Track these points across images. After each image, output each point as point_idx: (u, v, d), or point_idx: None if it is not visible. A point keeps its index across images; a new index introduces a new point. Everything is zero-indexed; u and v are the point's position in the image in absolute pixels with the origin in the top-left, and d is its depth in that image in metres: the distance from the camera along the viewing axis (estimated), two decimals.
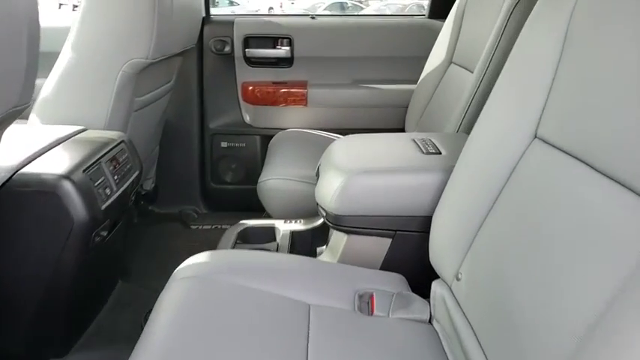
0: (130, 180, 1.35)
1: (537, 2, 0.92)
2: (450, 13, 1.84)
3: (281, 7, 12.77)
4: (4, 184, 1.07)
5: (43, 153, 1.17)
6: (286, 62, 2.15)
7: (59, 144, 1.23)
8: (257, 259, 1.08)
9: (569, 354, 0.60)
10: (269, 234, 1.46)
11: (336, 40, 2.14)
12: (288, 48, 2.12)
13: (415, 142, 1.27)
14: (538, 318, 0.68)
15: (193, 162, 2.24)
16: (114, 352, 1.32)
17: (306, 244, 1.43)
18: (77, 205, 1.09)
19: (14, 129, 0.97)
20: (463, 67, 1.66)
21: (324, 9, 11.02)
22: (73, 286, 1.21)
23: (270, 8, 12.27)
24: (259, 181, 1.60)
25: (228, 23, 2.11)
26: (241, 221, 1.50)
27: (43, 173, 1.10)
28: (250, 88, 2.15)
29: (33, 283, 1.17)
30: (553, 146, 0.78)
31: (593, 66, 0.73)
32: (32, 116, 1.40)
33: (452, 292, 0.96)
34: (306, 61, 2.15)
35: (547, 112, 0.82)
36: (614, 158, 0.65)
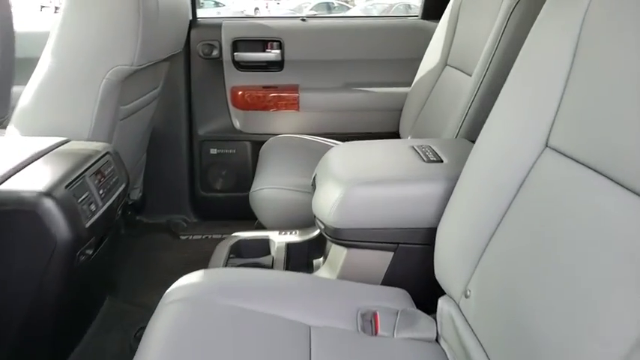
0: (117, 193, 1.28)
1: (546, 3, 0.87)
2: (444, 13, 1.80)
3: (267, 7, 12.74)
4: None
5: (22, 168, 1.10)
6: (276, 66, 2.10)
7: (39, 157, 1.16)
8: (252, 277, 1.03)
9: None
10: (263, 247, 1.40)
11: (327, 43, 2.09)
12: (278, 51, 2.07)
13: (415, 149, 1.22)
14: (562, 340, 0.64)
15: (182, 170, 2.18)
16: None
17: (302, 257, 1.38)
18: (59, 224, 1.02)
19: None
20: (459, 70, 1.62)
21: (310, 9, 10.99)
22: (57, 308, 1.15)
23: (256, 9, 12.25)
24: (252, 190, 1.54)
25: (216, 26, 2.06)
26: (234, 234, 1.44)
27: (22, 190, 1.03)
28: (240, 92, 2.09)
29: (14, 307, 1.10)
30: (566, 156, 0.74)
31: (608, 71, 0.69)
32: (10, 127, 1.32)
33: (460, 310, 0.91)
34: (297, 64, 2.09)
35: (559, 121, 0.78)
36: (631, 168, 0.62)
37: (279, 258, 1.32)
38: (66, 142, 1.27)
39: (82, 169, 1.16)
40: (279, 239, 1.39)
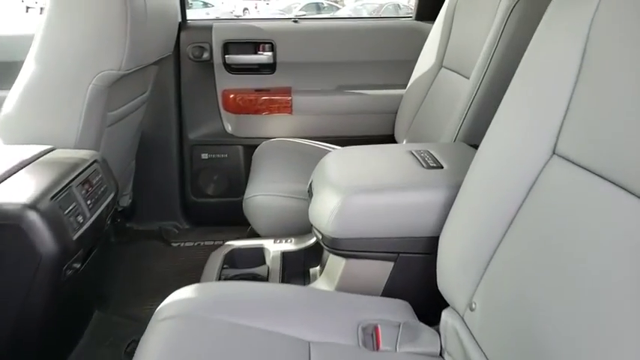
0: (105, 203, 1.24)
1: (551, 4, 0.84)
2: (439, 14, 1.77)
3: (256, 7, 12.69)
4: None
5: (5, 179, 1.05)
6: (268, 68, 2.06)
7: (23, 167, 1.11)
8: (247, 291, 0.99)
9: None
10: (258, 256, 1.36)
11: (320, 45, 2.06)
12: (270, 53, 2.03)
13: (413, 154, 1.19)
14: (576, 354, 0.61)
15: (172, 175, 2.13)
16: None
17: (298, 265, 1.34)
18: (45, 238, 0.97)
19: None
20: (455, 72, 1.59)
21: (300, 9, 10.95)
22: (43, 323, 1.10)
23: (245, 9, 12.19)
24: (245, 197, 1.50)
25: (206, 28, 2.01)
26: (227, 242, 1.40)
27: (5, 203, 0.98)
28: (231, 96, 2.04)
29: None
30: (574, 163, 0.72)
31: (619, 75, 0.67)
32: None
33: (465, 323, 0.88)
34: (289, 66, 2.05)
35: (566, 127, 0.75)
36: None
37: (275, 268, 1.28)
38: (51, 150, 1.22)
39: (69, 179, 1.11)
40: (274, 248, 1.35)
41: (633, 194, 0.60)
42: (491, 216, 0.84)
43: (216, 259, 1.31)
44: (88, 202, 1.15)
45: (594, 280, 0.61)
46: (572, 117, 0.74)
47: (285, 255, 1.33)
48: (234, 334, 0.87)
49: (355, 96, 2.04)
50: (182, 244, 2.04)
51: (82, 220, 1.10)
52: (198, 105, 2.07)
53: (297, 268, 1.34)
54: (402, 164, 1.14)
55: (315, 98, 2.05)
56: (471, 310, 0.86)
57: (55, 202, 1.03)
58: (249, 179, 1.65)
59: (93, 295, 1.49)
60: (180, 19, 2.00)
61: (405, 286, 1.08)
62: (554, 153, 0.76)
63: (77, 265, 1.10)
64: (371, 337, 0.91)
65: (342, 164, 1.18)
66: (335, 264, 1.11)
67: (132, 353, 0.84)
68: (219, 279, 1.25)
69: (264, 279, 1.26)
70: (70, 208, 1.08)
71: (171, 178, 2.13)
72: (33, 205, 0.98)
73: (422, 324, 0.96)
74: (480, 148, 0.92)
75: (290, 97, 2.03)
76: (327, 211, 1.04)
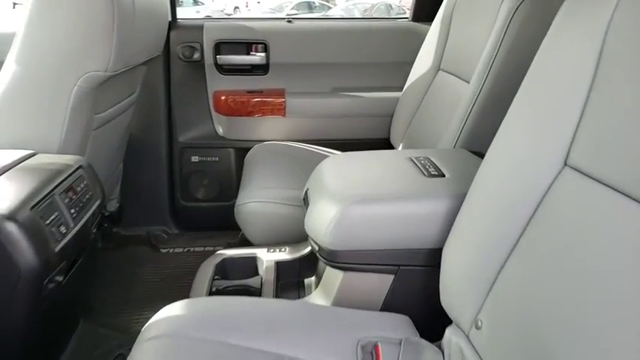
0: (91, 211, 1.18)
1: (562, 7, 0.80)
2: (437, 15, 1.73)
3: (247, 6, 12.63)
4: None
5: None
6: (261, 69, 2.01)
7: (1, 174, 1.04)
8: (238, 307, 0.93)
9: None
10: (251, 265, 1.31)
11: (314, 45, 2.01)
12: (263, 54, 1.98)
13: (413, 161, 1.14)
14: None
15: (161, 178, 2.07)
16: None
17: (292, 275, 1.29)
18: (24, 251, 0.91)
19: None
20: (453, 75, 1.55)
21: (292, 8, 10.91)
22: (24, 339, 1.04)
23: (236, 8, 12.13)
24: (237, 204, 1.45)
25: (197, 28, 1.95)
26: (218, 251, 1.34)
27: None
28: (223, 97, 1.99)
29: None
30: (587, 175, 0.68)
31: (635, 84, 0.63)
32: None
33: (470, 342, 0.84)
34: (283, 67, 2.00)
35: (579, 137, 0.71)
36: None
37: (269, 279, 1.23)
38: (32, 155, 1.16)
39: (51, 187, 1.05)
40: (267, 257, 1.30)
41: None
42: (499, 229, 0.80)
43: (206, 270, 1.25)
44: (72, 210, 1.09)
45: (609, 297, 0.58)
46: (586, 127, 0.71)
47: (279, 265, 1.28)
48: (223, 354, 0.82)
49: (350, 98, 2.00)
50: (171, 250, 1.98)
51: (65, 231, 1.04)
52: (189, 107, 2.02)
53: (292, 279, 1.29)
54: (401, 172, 1.09)
55: (309, 100, 2.00)
56: (477, 328, 0.82)
57: (35, 212, 0.97)
58: (240, 184, 1.60)
59: (78, 305, 1.43)
60: (170, 18, 1.94)
61: (406, 301, 1.03)
62: (565, 164, 0.73)
63: (60, 278, 1.04)
64: (371, 355, 0.87)
65: (339, 172, 1.13)
66: (332, 277, 1.06)
67: None
68: (210, 291, 1.19)
69: (257, 291, 1.21)
70: (52, 218, 1.02)
71: (161, 181, 2.08)
72: (11, 216, 0.91)
73: (424, 341, 0.91)
74: (486, 158, 0.88)
75: (283, 99, 1.98)
76: (324, 221, 0.99)
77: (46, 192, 1.02)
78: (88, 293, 1.52)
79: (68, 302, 1.30)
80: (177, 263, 1.88)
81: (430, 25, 1.77)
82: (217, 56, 1.96)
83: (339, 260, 1.01)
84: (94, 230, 1.23)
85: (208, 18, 2.08)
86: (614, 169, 0.64)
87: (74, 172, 1.15)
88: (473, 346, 0.82)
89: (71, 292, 1.26)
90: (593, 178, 0.67)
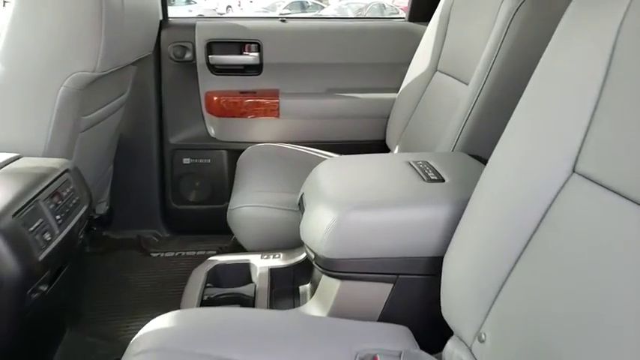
0: (77, 217, 1.13)
1: (569, 8, 0.76)
2: (434, 15, 1.70)
3: (239, 5, 12.58)
4: None
5: None
6: (255, 69, 1.97)
7: None
8: (231, 319, 0.89)
9: None
10: (244, 272, 1.27)
11: (309, 45, 1.97)
12: (256, 54, 1.94)
13: (411, 165, 1.11)
14: None
15: (152, 181, 2.03)
16: None
17: (287, 283, 1.25)
18: (5, 261, 0.87)
19: None
20: (451, 76, 1.52)
21: (284, 7, 10.87)
22: (6, 351, 0.99)
23: (229, 7, 12.07)
24: (230, 208, 1.41)
25: (188, 27, 1.91)
26: (210, 258, 1.30)
27: None
28: (215, 98, 1.95)
29: None
30: (596, 183, 0.66)
31: None
32: None
33: (473, 355, 0.80)
34: (276, 68, 1.96)
35: (588, 144, 0.69)
36: None
37: (262, 287, 1.19)
38: (17, 159, 1.11)
39: (35, 192, 1.00)
40: (261, 264, 1.26)
41: None
42: (504, 237, 0.77)
43: (198, 277, 1.21)
44: (57, 217, 1.05)
45: (620, 309, 0.56)
46: (595, 133, 0.68)
47: (273, 272, 1.24)
48: None
49: (345, 99, 1.97)
50: (162, 254, 1.94)
51: (49, 238, 1.00)
52: (180, 107, 1.98)
53: (286, 286, 1.25)
54: (400, 177, 1.06)
55: (304, 101, 1.97)
56: (481, 341, 0.79)
57: (17, 220, 0.92)
58: (233, 188, 1.56)
59: (64, 313, 1.38)
60: (160, 17, 1.90)
61: (405, 311, 1.00)
62: (574, 171, 0.70)
63: (44, 288, 1.00)
64: None
65: (335, 176, 1.09)
66: (328, 286, 1.02)
67: None
68: (202, 299, 1.15)
69: (251, 299, 1.17)
70: (36, 225, 0.97)
71: (151, 184, 2.03)
72: None
73: (424, 353, 0.88)
74: (489, 163, 0.85)
75: (277, 100, 1.94)
76: (320, 228, 0.95)
77: (29, 197, 0.98)
78: (75, 300, 1.48)
79: (54, 311, 1.26)
80: (168, 268, 1.83)
81: (427, 25, 1.74)
82: (209, 56, 1.92)
83: (336, 269, 0.97)
84: (81, 236, 1.19)
85: (200, 17, 2.03)
86: (625, 176, 0.61)
87: (60, 176, 1.11)
88: (475, 357, 0.80)
89: (57, 300, 1.22)
90: (602, 186, 0.64)
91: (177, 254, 1.93)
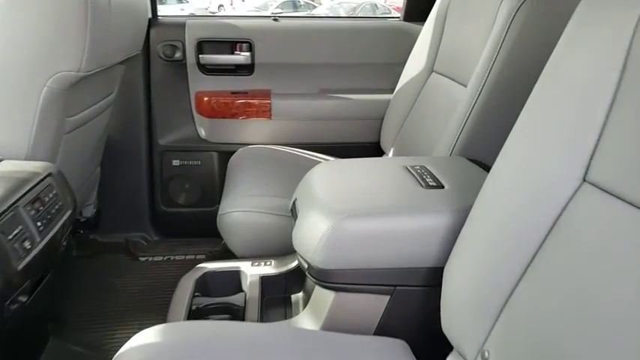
0: (60, 223, 1.09)
1: (578, 8, 0.73)
2: (430, 15, 1.67)
3: (231, 4, 12.50)
4: None
5: None
6: (246, 69, 1.92)
7: None
8: (220, 333, 0.85)
9: None
10: (234, 280, 1.23)
11: (302, 45, 1.93)
12: (248, 53, 1.89)
13: (409, 170, 1.07)
14: None
15: (141, 183, 1.98)
16: None
17: (278, 291, 1.21)
18: None
19: None
20: (447, 77, 1.49)
21: (277, 7, 10.82)
22: None
23: (220, 6, 11.99)
24: (220, 213, 1.36)
25: (178, 26, 1.87)
26: (199, 265, 1.26)
27: None
28: (205, 98, 1.91)
29: None
30: (608, 192, 0.63)
31: None
32: None
33: None
34: (268, 68, 1.92)
35: (600, 152, 0.66)
36: None
37: (253, 296, 1.15)
38: None
39: (14, 198, 0.96)
40: (251, 271, 1.22)
41: None
42: (509, 248, 0.73)
43: (186, 286, 1.17)
44: (39, 223, 1.00)
45: (631, 327, 0.54)
46: (608, 140, 0.65)
47: (263, 280, 1.20)
48: None
49: (339, 100, 1.93)
50: (150, 258, 1.89)
51: (29, 246, 0.95)
52: (170, 108, 1.93)
53: (278, 294, 1.21)
54: (397, 183, 1.02)
55: (296, 102, 1.93)
56: (484, 359, 0.75)
57: None
58: (224, 191, 1.52)
59: (47, 321, 1.33)
60: (150, 15, 1.85)
61: (402, 324, 0.96)
62: (584, 180, 0.67)
63: (23, 299, 0.95)
64: None
65: (330, 181, 1.05)
66: (322, 297, 0.98)
67: None
68: (190, 310, 1.11)
69: (241, 309, 1.12)
70: (16, 232, 0.92)
71: (140, 186, 1.99)
72: None
73: None
74: (493, 170, 0.81)
75: (269, 101, 1.90)
76: (314, 237, 0.91)
77: (8, 204, 0.93)
78: (59, 307, 1.43)
79: (35, 320, 1.20)
80: (156, 273, 1.79)
81: (423, 24, 1.71)
82: (200, 55, 1.88)
83: (331, 280, 0.93)
84: (64, 243, 1.14)
85: (191, 15, 1.98)
86: (638, 185, 0.58)
87: (42, 180, 1.06)
88: None
89: (38, 310, 1.17)
90: (614, 195, 0.61)
91: (165, 258, 1.89)
